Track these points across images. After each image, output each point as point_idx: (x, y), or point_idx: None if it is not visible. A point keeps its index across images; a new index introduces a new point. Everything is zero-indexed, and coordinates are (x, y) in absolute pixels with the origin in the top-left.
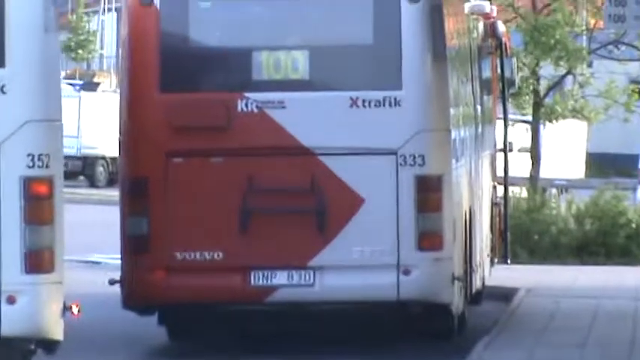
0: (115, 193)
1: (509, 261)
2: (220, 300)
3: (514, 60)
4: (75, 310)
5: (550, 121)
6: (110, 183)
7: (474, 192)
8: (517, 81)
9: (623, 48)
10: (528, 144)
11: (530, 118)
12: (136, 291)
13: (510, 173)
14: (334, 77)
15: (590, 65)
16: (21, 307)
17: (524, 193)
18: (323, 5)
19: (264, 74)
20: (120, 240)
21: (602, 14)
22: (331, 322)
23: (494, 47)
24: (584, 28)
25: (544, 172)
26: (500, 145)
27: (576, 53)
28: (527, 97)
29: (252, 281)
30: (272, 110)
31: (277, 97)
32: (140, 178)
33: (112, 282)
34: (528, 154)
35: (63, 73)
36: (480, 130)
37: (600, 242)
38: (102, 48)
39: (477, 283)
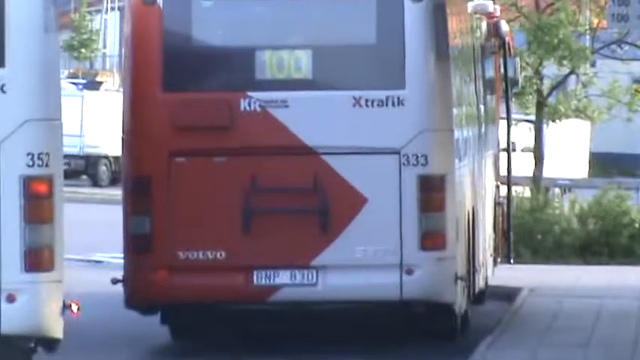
0: (117, 193)
1: (512, 261)
2: (223, 299)
3: (517, 59)
4: (74, 308)
5: (553, 120)
6: (113, 182)
7: (476, 192)
8: (520, 80)
9: (626, 47)
10: (531, 144)
11: (533, 117)
12: (138, 290)
13: (513, 173)
14: (337, 76)
15: (593, 65)
16: (21, 305)
17: (528, 193)
18: (326, 4)
19: (267, 73)
20: (122, 239)
21: (605, 14)
22: (334, 321)
23: (497, 47)
24: (587, 27)
25: (547, 172)
26: (503, 144)
27: (579, 53)
28: (530, 97)
29: (255, 281)
30: (275, 109)
31: (280, 96)
32: (143, 177)
33: (114, 281)
34: (531, 154)
35: (66, 72)
36: (483, 129)
37: (603, 242)
38: (105, 47)
39: (479, 283)
